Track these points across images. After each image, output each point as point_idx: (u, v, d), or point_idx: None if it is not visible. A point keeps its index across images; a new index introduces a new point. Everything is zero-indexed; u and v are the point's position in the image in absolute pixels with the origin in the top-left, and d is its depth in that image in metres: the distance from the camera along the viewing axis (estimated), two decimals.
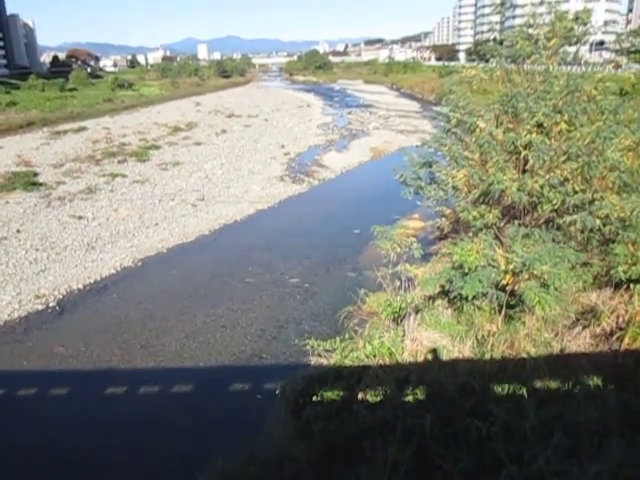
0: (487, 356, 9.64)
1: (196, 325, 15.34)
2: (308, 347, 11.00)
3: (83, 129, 54.11)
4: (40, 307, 16.35)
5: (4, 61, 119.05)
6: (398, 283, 13.56)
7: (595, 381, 8.30)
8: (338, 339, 10.90)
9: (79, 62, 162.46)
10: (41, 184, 30.76)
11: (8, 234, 22.39)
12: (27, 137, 50.64)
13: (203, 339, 14.57)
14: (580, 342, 9.84)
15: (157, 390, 12.31)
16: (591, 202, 9.25)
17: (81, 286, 17.86)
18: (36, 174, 33.14)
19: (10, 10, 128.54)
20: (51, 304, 16.58)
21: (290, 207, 27.70)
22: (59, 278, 18.26)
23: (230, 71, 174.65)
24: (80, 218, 24.56)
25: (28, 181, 30.65)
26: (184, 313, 16.05)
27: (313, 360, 11.33)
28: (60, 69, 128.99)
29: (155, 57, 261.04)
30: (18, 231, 22.76)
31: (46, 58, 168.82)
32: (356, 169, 36.73)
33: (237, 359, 13.61)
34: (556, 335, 10.07)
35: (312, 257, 20.33)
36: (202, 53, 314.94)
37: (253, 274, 18.85)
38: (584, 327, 10.08)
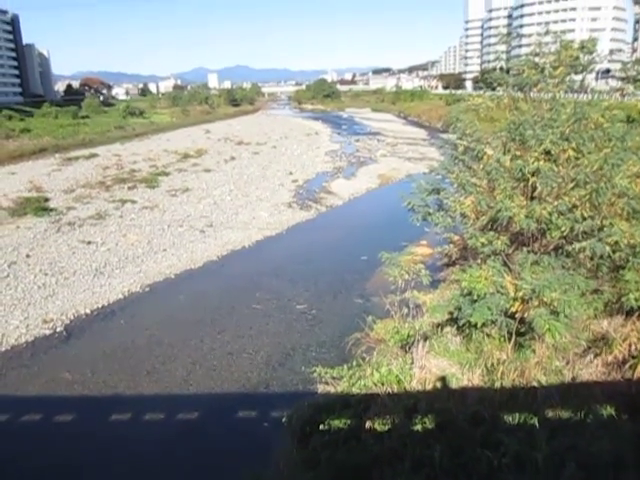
0: (497, 384, 9.49)
1: (203, 351, 15.25)
2: (315, 374, 10.90)
3: (94, 155, 54.89)
4: (47, 332, 16.35)
5: (19, 89, 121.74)
6: (406, 310, 13.48)
7: (608, 410, 8.13)
8: (345, 366, 10.79)
9: (92, 90, 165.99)
10: (52, 209, 31.11)
11: (18, 259, 22.56)
12: (39, 163, 51.41)
13: (209, 366, 14.47)
14: (592, 370, 9.68)
15: (162, 417, 12.18)
16: (600, 229, 9.20)
17: (89, 311, 17.88)
18: (47, 199, 33.56)
19: (26, 40, 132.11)
20: (58, 329, 16.58)
21: (298, 233, 27.76)
22: (67, 303, 18.30)
23: (240, 99, 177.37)
24: (89, 243, 24.73)
25: (39, 206, 31.04)
26: (191, 339, 15.98)
27: (320, 388, 11.21)
28: (73, 97, 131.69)
29: (166, 86, 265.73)
30: (28, 256, 22.93)
31: (60, 86, 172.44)
32: (364, 196, 36.87)
33: (243, 386, 13.48)
34: (567, 363, 9.92)
35: (319, 283, 20.27)
36: (212, 82, 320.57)
37: (260, 300, 18.80)
38: (596, 355, 9.93)
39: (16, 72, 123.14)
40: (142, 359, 14.86)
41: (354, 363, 11.39)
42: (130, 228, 27.51)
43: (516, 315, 9.52)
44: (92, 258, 22.77)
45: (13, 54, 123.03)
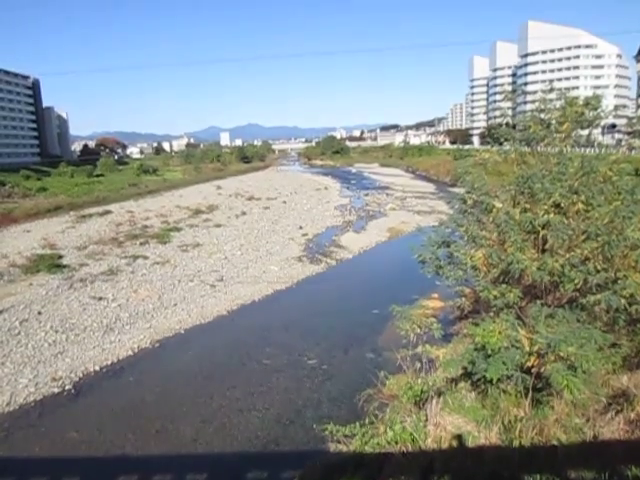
0: (515, 443, 9.16)
1: (212, 409, 14.97)
2: (327, 433, 10.61)
3: (108, 212, 55.89)
4: (56, 390, 16.18)
5: (37, 150, 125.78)
6: (419, 365, 13.23)
7: (633, 472, 7.78)
8: (358, 424, 10.51)
9: (107, 150, 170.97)
10: (64, 266, 31.43)
11: (29, 316, 22.64)
12: (54, 221, 52.36)
13: (219, 424, 14.17)
14: (614, 428, 9.33)
15: (170, 479, 11.83)
16: (614, 281, 9.11)
17: (98, 368, 17.73)
18: (60, 256, 33.98)
19: (46, 103, 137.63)
20: (67, 387, 16.41)
21: (308, 287, 27.70)
22: (76, 360, 18.19)
23: (250, 156, 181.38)
24: (100, 299, 24.81)
25: (52, 263, 31.40)
26: (200, 396, 15.72)
27: (332, 446, 10.88)
28: (89, 157, 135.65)
29: (179, 144, 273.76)
30: (39, 313, 23.01)
31: (77, 146, 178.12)
32: (373, 249, 36.97)
33: (254, 445, 13.13)
34: (587, 420, 9.59)
35: (330, 337, 20.05)
36: (224, 140, 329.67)
37: (270, 355, 18.58)
38: (617, 412, 9.60)
39: (35, 134, 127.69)
40: (151, 417, 14.59)
41: (367, 420, 11.11)
42: (141, 283, 27.63)
43: (532, 370, 9.31)
44: (103, 314, 22.79)
45: (33, 117, 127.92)
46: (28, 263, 31.69)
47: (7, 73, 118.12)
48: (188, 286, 27.05)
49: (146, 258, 33.41)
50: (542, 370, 9.15)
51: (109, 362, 18.19)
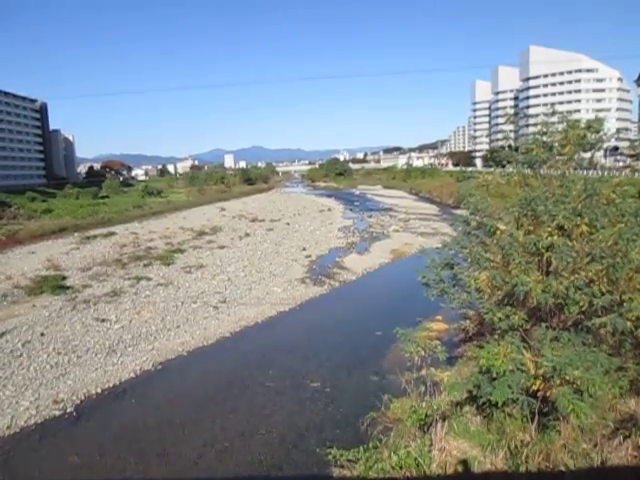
0: (522, 468, 9.03)
1: (214, 432, 14.80)
2: (330, 457, 10.47)
3: (112, 234, 56.11)
4: (57, 413, 16.04)
5: (43, 172, 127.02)
6: (423, 388, 13.10)
7: None
8: (362, 448, 10.38)
9: (113, 172, 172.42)
10: (68, 287, 31.45)
11: (32, 337, 22.58)
12: (59, 242, 52.57)
13: (221, 447, 13.99)
14: (622, 454, 9.19)
15: None
16: (620, 304, 9.07)
17: (99, 390, 17.60)
18: (64, 277, 34.01)
19: (53, 125, 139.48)
20: (68, 409, 16.27)
21: (311, 309, 27.59)
22: (78, 382, 18.07)
23: (254, 178, 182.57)
24: (103, 321, 24.75)
25: (56, 285, 31.41)
26: (202, 419, 15.56)
27: (335, 471, 10.73)
28: (94, 178, 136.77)
29: (184, 166, 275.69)
30: (42, 334, 22.95)
31: (82, 169, 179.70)
32: (377, 271, 36.88)
33: (256, 470, 12.94)
34: (595, 446, 9.45)
35: (333, 359, 19.90)
36: (229, 162, 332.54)
37: (273, 377, 18.43)
38: (625, 437, 9.46)
39: (41, 156, 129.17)
40: (152, 440, 14.43)
41: (370, 444, 10.97)
42: (144, 305, 27.58)
43: (538, 394, 9.21)
44: (105, 336, 22.71)
45: (40, 139, 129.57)
46: (32, 284, 31.72)
47: (15, 97, 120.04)
48: (191, 308, 26.98)
49: (149, 279, 33.40)
50: (548, 394, 9.06)
51: (111, 384, 18.06)
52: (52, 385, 17.84)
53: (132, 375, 18.87)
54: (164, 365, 19.89)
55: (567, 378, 8.45)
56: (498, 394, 8.97)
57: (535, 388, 9.16)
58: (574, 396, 8.34)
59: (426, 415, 11.76)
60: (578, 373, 8.29)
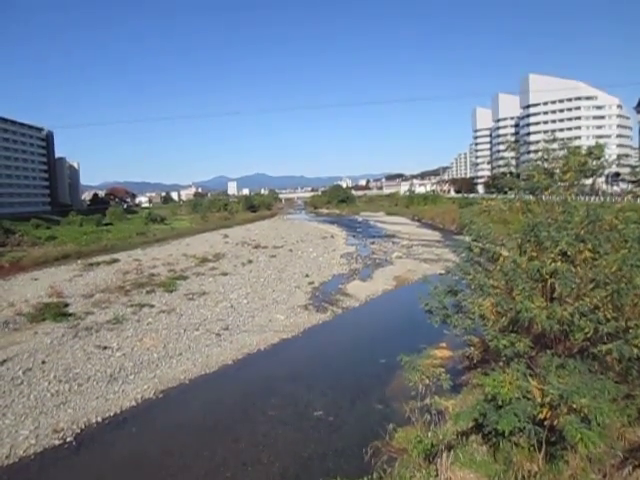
0: None
1: (215, 462, 14.56)
2: None
3: (115, 261, 56.17)
4: (57, 442, 15.83)
5: (48, 199, 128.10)
6: (428, 416, 12.91)
7: None
8: (366, 479, 10.18)
9: (117, 199, 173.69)
10: (70, 314, 31.36)
11: (33, 365, 22.43)
12: (62, 269, 52.61)
13: (222, 478, 13.74)
14: None
15: None
16: (626, 330, 8.99)
17: (100, 419, 17.40)
18: (66, 305, 33.94)
19: (58, 153, 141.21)
20: (68, 439, 16.06)
21: (314, 336, 27.40)
22: (79, 411, 17.88)
23: (257, 205, 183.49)
24: (105, 348, 24.60)
25: (58, 312, 31.33)
26: (204, 449, 15.33)
27: None
28: (98, 206, 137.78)
29: (188, 194, 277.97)
30: (43, 362, 22.80)
31: (87, 196, 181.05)
32: (380, 297, 36.72)
33: None
34: (604, 476, 9.26)
35: (337, 388, 19.68)
36: (232, 189, 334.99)
37: (276, 406, 18.20)
38: (634, 467, 9.27)
39: (47, 183, 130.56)
40: (152, 471, 14.21)
41: (374, 475, 10.78)
42: (146, 332, 27.44)
43: (545, 422, 9.07)
44: (107, 364, 22.55)
45: (45, 167, 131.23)
46: (34, 311, 31.64)
47: (22, 125, 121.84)
48: (193, 335, 26.83)
49: (152, 306, 33.31)
50: (555, 423, 8.92)
51: (112, 413, 17.87)
52: (52, 414, 17.65)
53: (133, 403, 18.68)
54: (166, 393, 19.69)
55: (574, 406, 8.32)
56: (504, 423, 8.83)
57: (542, 417, 9.03)
58: (582, 425, 8.21)
59: (432, 445, 11.57)
60: (585, 401, 8.17)
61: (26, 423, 16.91)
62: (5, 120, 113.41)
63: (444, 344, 22.03)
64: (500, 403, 9.05)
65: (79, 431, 16.58)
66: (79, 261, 57.48)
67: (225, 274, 46.14)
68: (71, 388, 19.87)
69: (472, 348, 14.61)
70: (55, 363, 22.66)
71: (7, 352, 24.24)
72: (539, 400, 9.05)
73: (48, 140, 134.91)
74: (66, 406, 18.28)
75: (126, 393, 19.42)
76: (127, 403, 18.62)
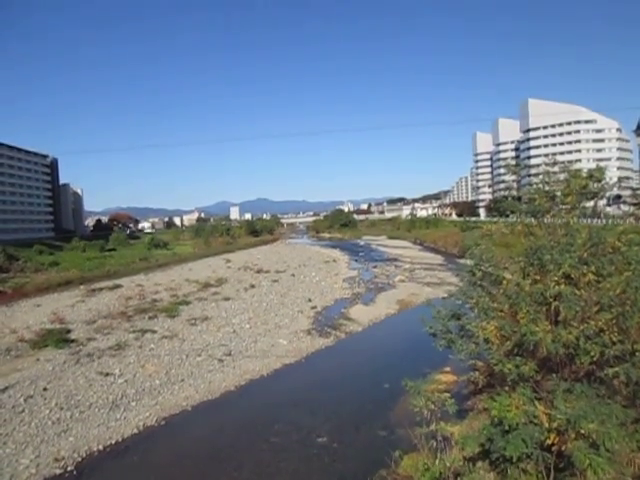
0: None
1: None
2: None
3: (118, 286, 56.13)
4: (58, 471, 15.63)
5: (52, 225, 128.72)
6: (434, 443, 12.71)
7: None
8: None
9: (120, 225, 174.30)
10: (72, 341, 31.23)
11: (35, 392, 22.25)
12: (64, 295, 52.56)
13: None
14: None
15: None
16: (632, 353, 8.92)
17: (101, 447, 17.19)
18: (68, 331, 33.82)
19: (63, 180, 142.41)
20: (69, 467, 15.86)
21: (317, 361, 27.19)
22: (80, 439, 17.67)
23: (260, 230, 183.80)
24: (107, 375, 24.43)
25: (60, 338, 31.21)
26: (206, 477, 15.11)
27: None
28: (101, 231, 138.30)
29: (190, 219, 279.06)
30: (45, 389, 22.63)
31: (90, 222, 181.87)
32: (383, 322, 36.51)
33: None
34: None
35: (341, 413, 19.44)
36: (234, 214, 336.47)
37: (279, 433, 17.97)
38: None
39: (50, 209, 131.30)
40: None
41: None
42: (149, 358, 27.27)
43: (553, 448, 8.93)
44: (109, 390, 22.36)
45: (49, 193, 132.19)
46: (36, 338, 31.53)
47: (28, 152, 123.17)
48: (196, 361, 26.64)
49: (154, 332, 33.16)
50: (563, 448, 8.78)
51: (113, 441, 17.66)
52: (53, 442, 17.45)
53: (135, 431, 18.47)
54: (168, 421, 19.48)
55: (582, 431, 8.20)
56: (512, 448, 8.70)
57: (549, 442, 8.89)
58: (590, 450, 8.08)
59: (439, 473, 11.37)
60: (593, 426, 8.06)
61: (27, 452, 16.71)
62: (11, 147, 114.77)
63: (448, 368, 21.84)
64: (507, 428, 8.92)
65: (80, 460, 16.38)
66: (82, 287, 57.51)
67: (227, 299, 46.03)
68: (72, 415, 19.68)
69: (477, 372, 14.48)
70: (57, 390, 22.49)
71: (8, 379, 24.09)
72: (546, 425, 8.93)
73: (53, 167, 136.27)
74: (67, 434, 18.08)
75: (128, 420, 19.22)
76: (129, 431, 18.41)
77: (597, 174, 11.44)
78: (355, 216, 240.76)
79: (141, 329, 33.89)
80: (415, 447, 13.01)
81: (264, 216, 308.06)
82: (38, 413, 19.93)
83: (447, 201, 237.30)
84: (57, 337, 31.31)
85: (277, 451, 16.65)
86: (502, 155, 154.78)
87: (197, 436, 18.20)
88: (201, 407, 20.84)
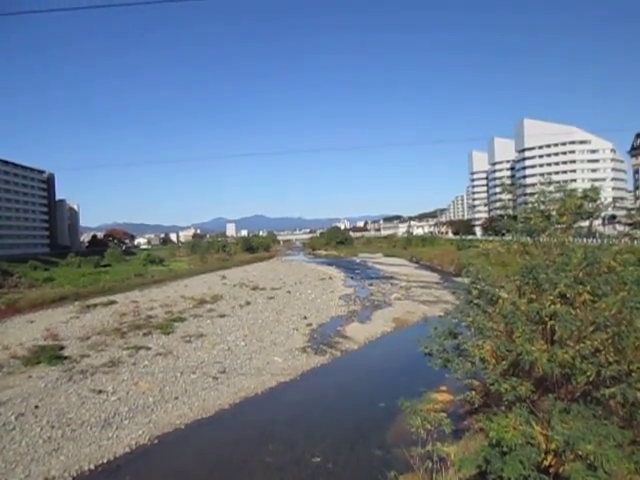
0: None
1: None
2: None
3: (112, 302, 55.81)
4: None
5: (47, 241, 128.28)
6: (430, 463, 12.57)
7: None
8: None
9: (115, 241, 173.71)
10: (65, 357, 30.93)
11: (26, 410, 21.97)
12: (58, 311, 52.21)
13: None
14: None
15: None
16: (628, 374, 8.88)
17: (93, 467, 16.93)
18: (62, 347, 33.52)
19: (59, 195, 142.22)
20: None
21: (313, 379, 26.99)
22: (71, 458, 17.41)
23: (256, 246, 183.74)
24: (100, 392, 24.15)
25: (53, 355, 30.92)
26: None
27: None
28: (97, 247, 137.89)
29: (186, 235, 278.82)
30: (36, 407, 22.35)
31: (86, 237, 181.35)
32: (379, 339, 36.35)
33: None
34: None
35: (335, 433, 19.24)
36: (230, 231, 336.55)
37: (273, 452, 17.75)
38: None
39: (46, 225, 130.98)
40: None
41: None
42: (142, 375, 27.00)
43: (550, 470, 8.84)
44: (101, 408, 22.09)
45: (45, 209, 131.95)
46: (29, 354, 31.23)
47: (24, 168, 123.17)
48: (190, 378, 26.40)
49: (148, 349, 32.89)
50: (561, 470, 8.69)
51: (105, 460, 17.40)
52: (44, 461, 17.18)
53: (127, 450, 18.22)
54: (161, 439, 19.23)
55: (580, 453, 8.13)
56: (510, 470, 8.61)
57: (547, 464, 8.80)
58: (588, 472, 8.01)
59: None
60: (591, 448, 7.99)
61: (16, 471, 16.45)
62: (7, 163, 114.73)
63: (444, 387, 21.70)
64: (505, 449, 8.84)
65: (71, 479, 16.10)
66: (76, 303, 57.16)
67: (223, 316, 45.79)
68: (64, 434, 19.40)
69: (473, 392, 14.38)
70: (48, 408, 22.20)
71: (0, 396, 23.78)
72: (544, 446, 8.85)
73: (49, 182, 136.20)
74: (58, 453, 17.81)
75: (120, 439, 18.97)
76: (121, 449, 18.16)
77: (592, 194, 11.51)
78: (351, 233, 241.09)
79: (135, 346, 33.62)
80: (411, 468, 12.86)
81: (260, 233, 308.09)
82: (29, 431, 19.66)
83: (443, 219, 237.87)
84: (50, 354, 31.02)
85: (271, 471, 16.44)
86: (498, 174, 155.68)
87: (190, 455, 17.96)
88: (195, 425, 20.60)
